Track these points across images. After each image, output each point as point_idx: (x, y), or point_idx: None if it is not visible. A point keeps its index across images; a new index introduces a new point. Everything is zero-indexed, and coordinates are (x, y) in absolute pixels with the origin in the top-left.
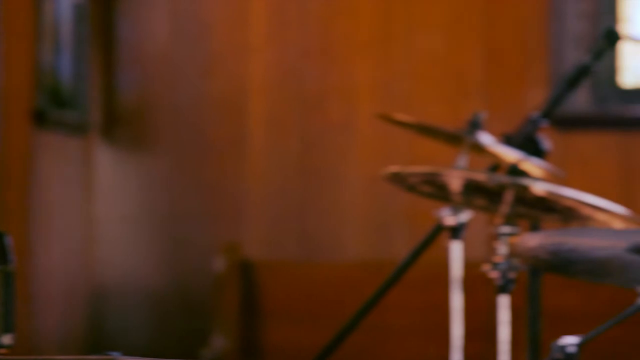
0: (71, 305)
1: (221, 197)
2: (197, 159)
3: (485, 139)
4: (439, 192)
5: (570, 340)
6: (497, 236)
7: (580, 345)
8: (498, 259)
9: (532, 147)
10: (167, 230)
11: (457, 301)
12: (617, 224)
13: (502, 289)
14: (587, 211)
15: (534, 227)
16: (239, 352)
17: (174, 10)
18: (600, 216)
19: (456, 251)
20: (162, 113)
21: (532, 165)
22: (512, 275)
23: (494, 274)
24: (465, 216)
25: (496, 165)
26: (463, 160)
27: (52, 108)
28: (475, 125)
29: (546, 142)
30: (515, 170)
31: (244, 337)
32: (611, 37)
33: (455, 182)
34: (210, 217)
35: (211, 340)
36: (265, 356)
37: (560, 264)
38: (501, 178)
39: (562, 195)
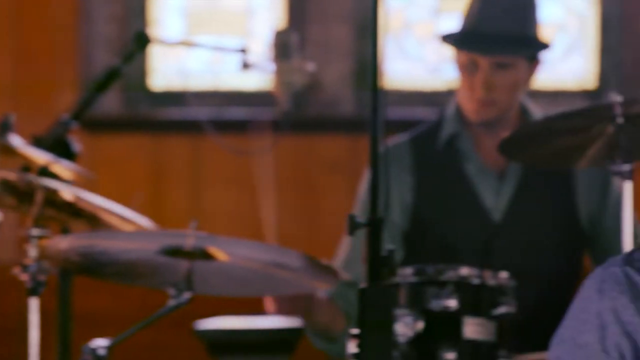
0: None
1: None
2: None
3: (15, 140)
4: None
5: (100, 343)
6: (27, 238)
7: (110, 348)
8: (28, 261)
9: (62, 150)
10: None
11: None
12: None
13: (32, 292)
14: (110, 219)
15: (65, 230)
16: None
17: None
18: (120, 224)
19: None
20: None
21: (62, 168)
22: (42, 277)
23: (24, 277)
24: None
25: (26, 168)
26: None
27: None
28: (5, 127)
29: (76, 144)
30: (45, 173)
31: None
32: (141, 40)
33: None
34: None
35: None
36: None
37: (91, 266)
38: (31, 178)
39: (87, 201)
